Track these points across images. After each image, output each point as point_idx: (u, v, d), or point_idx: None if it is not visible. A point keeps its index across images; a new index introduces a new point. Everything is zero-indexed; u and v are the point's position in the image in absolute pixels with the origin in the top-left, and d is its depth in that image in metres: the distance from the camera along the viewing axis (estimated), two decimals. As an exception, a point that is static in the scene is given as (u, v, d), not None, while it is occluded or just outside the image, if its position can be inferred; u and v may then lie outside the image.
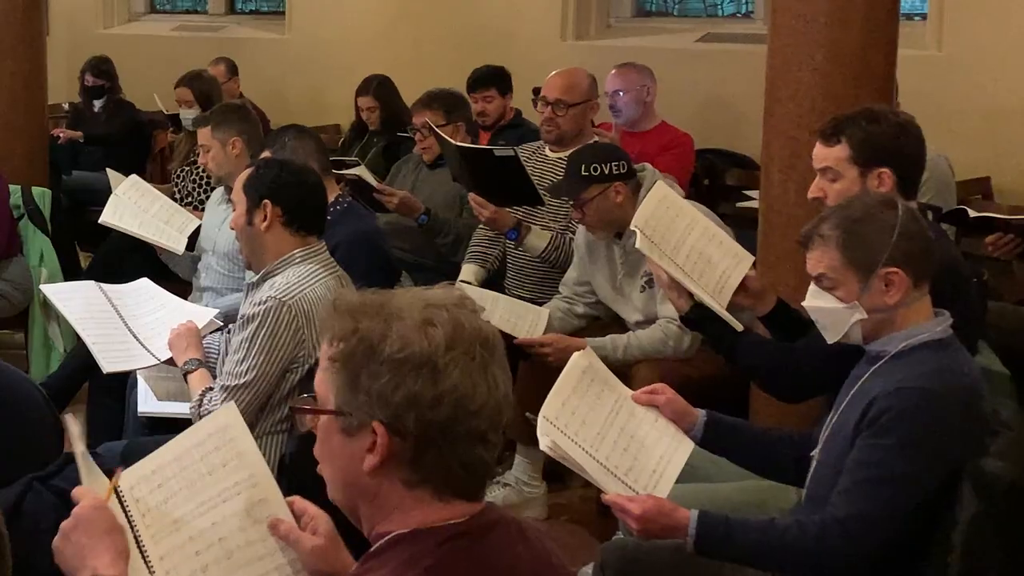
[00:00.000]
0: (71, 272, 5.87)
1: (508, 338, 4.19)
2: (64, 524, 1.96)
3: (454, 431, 1.80)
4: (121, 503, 2.15)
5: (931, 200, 4.42)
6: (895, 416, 2.70)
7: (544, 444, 2.81)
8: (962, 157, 5.35)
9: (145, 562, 2.11)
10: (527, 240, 4.94)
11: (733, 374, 4.03)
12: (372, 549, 1.86)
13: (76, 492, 2.02)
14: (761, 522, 2.80)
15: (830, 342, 2.94)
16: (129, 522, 2.13)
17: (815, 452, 2.94)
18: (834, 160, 3.40)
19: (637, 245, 3.45)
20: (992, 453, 2.72)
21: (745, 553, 2.80)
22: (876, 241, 2.80)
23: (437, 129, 5.50)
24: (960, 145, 5.55)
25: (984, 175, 5.94)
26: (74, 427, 2.16)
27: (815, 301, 2.91)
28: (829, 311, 2.88)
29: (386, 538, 1.83)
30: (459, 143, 5.19)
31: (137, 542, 2.12)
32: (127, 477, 2.18)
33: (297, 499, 2.13)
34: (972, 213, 4.53)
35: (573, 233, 4.88)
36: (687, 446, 3.03)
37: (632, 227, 3.50)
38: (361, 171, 5.55)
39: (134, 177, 5.49)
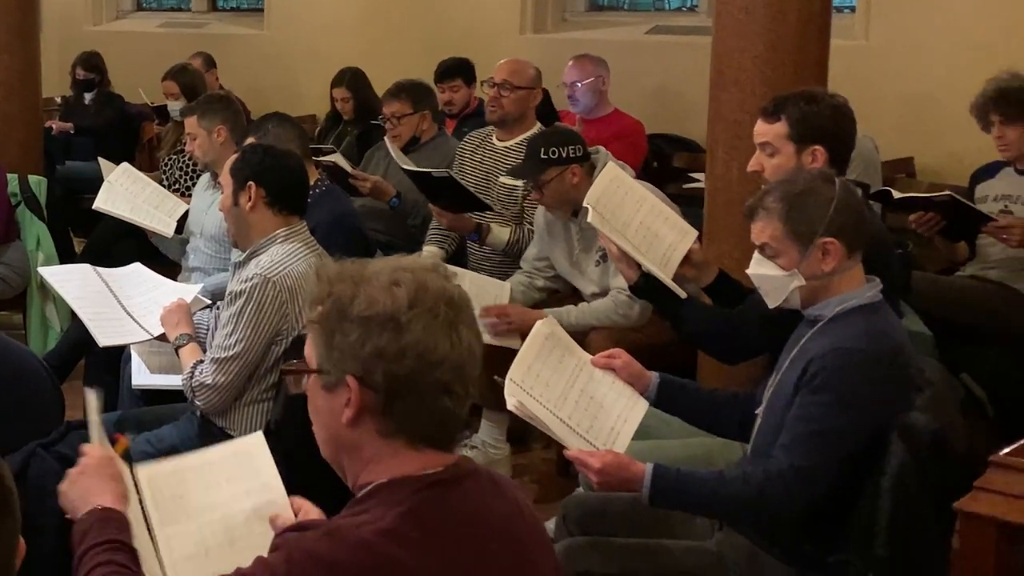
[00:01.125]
0: (66, 256, 5.86)
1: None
2: (71, 470, 2.00)
3: (419, 382, 1.80)
4: (137, 487, 2.18)
5: (858, 178, 4.44)
6: (830, 375, 2.71)
7: (511, 404, 2.82)
8: (887, 139, 5.42)
9: (152, 539, 2.13)
10: (489, 239, 4.95)
11: (681, 340, 4.09)
12: (355, 498, 1.87)
13: (86, 447, 2.04)
14: (710, 474, 2.81)
15: (771, 306, 2.95)
16: (141, 505, 2.16)
17: (759, 410, 2.94)
18: (773, 136, 3.42)
19: (590, 220, 3.46)
20: (917, 407, 2.73)
21: (695, 503, 2.82)
22: (815, 213, 2.80)
23: (402, 121, 5.53)
24: (886, 128, 5.60)
25: (908, 156, 5.98)
26: (93, 399, 2.16)
27: (758, 269, 2.91)
28: (771, 278, 2.88)
29: (367, 488, 1.84)
30: (405, 166, 5.18)
31: (146, 522, 2.15)
32: (145, 470, 2.21)
33: (296, 498, 2.16)
34: (896, 194, 4.57)
35: (531, 223, 4.90)
36: (642, 406, 3.05)
37: (585, 204, 3.51)
38: (336, 158, 5.51)
39: (125, 165, 5.47)
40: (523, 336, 3.10)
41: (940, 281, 4.68)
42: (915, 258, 4.45)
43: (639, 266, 3.44)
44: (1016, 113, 4.59)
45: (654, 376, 3.10)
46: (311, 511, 2.14)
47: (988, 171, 4.81)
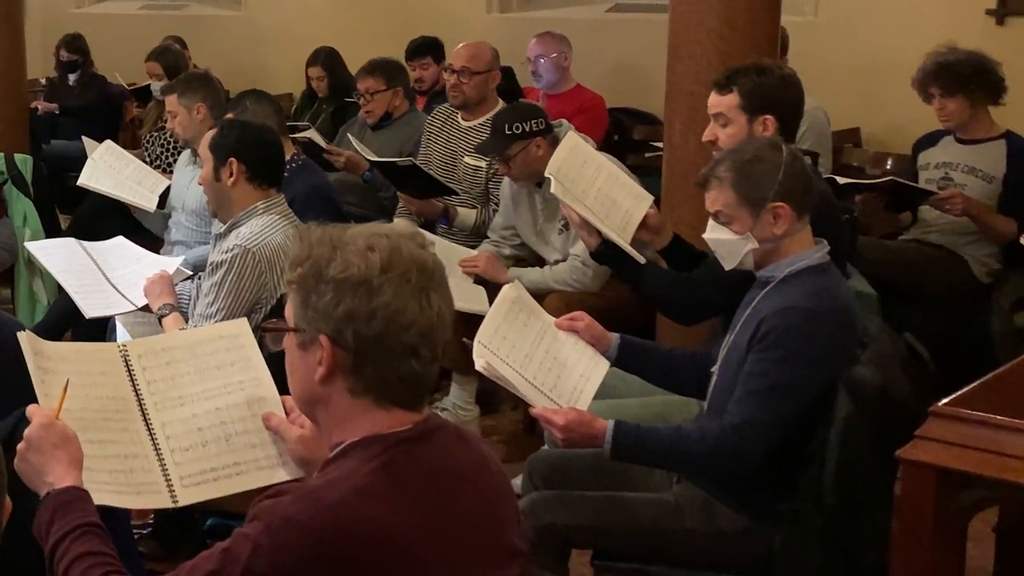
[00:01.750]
0: (52, 232, 5.77)
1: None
2: (19, 447, 1.96)
3: (388, 344, 1.80)
4: (127, 365, 2.18)
5: (810, 147, 4.47)
6: (781, 333, 2.71)
7: (479, 365, 2.81)
8: (836, 110, 5.41)
9: (147, 425, 2.13)
10: (457, 222, 4.96)
11: (639, 303, 4.10)
12: (330, 457, 1.87)
13: (28, 411, 2.02)
14: (668, 429, 2.82)
15: (727, 269, 2.96)
16: (133, 384, 2.16)
17: (714, 368, 2.93)
18: (726, 107, 3.42)
19: (552, 190, 3.45)
20: (862, 362, 2.74)
21: (654, 457, 2.84)
22: (765, 180, 2.80)
23: (374, 97, 5.54)
24: (834, 99, 5.59)
25: (855, 126, 6.00)
26: (26, 343, 2.12)
27: (713, 234, 2.91)
28: (726, 242, 2.89)
29: (340, 447, 1.85)
30: (371, 157, 5.17)
31: (140, 405, 2.15)
32: (136, 346, 2.21)
33: (288, 397, 2.14)
34: (840, 180, 4.60)
35: (495, 203, 4.91)
36: (603, 365, 3.05)
37: (546, 174, 3.51)
38: (311, 134, 5.51)
39: (108, 142, 5.44)
40: (491, 301, 3.12)
41: (884, 245, 4.71)
42: (860, 224, 4.48)
43: (599, 232, 3.44)
44: (955, 86, 4.61)
45: (615, 337, 3.10)
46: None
47: (930, 140, 4.83)
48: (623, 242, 3.43)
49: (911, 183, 4.63)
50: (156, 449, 2.11)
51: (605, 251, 3.47)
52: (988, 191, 4.61)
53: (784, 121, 3.38)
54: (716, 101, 3.46)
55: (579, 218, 3.45)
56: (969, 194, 4.53)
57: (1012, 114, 4.79)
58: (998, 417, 2.23)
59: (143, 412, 2.14)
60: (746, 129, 3.38)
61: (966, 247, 4.63)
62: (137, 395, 2.16)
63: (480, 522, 1.86)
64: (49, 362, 2.12)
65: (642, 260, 3.44)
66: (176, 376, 2.19)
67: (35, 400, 2.22)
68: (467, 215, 4.96)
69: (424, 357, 1.83)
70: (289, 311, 1.89)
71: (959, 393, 2.46)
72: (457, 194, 4.99)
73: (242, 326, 2.33)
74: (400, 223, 5.05)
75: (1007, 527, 2.57)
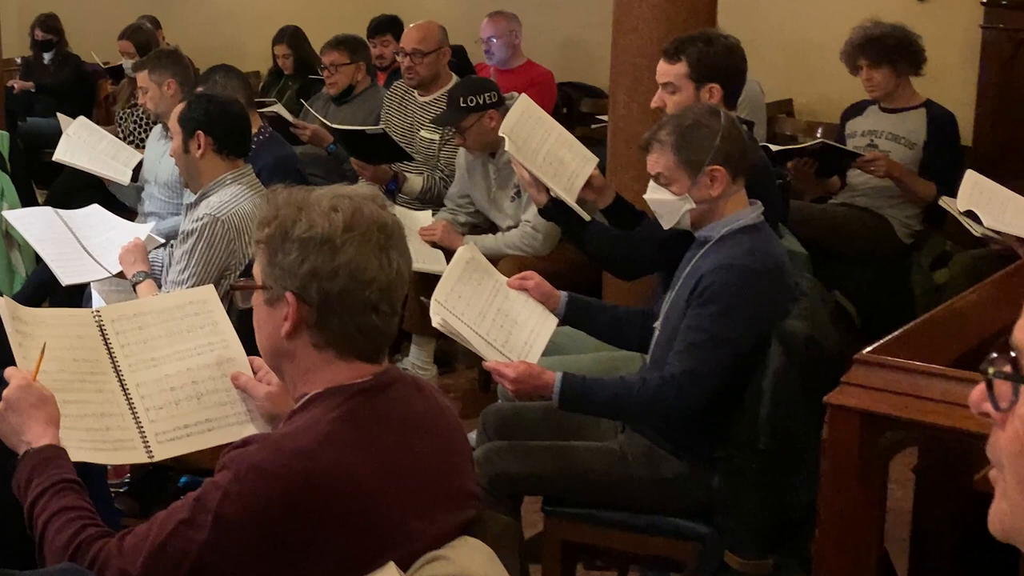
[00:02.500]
0: (29, 205, 5.68)
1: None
2: (4, 395, 1.95)
3: (349, 299, 1.80)
4: (101, 329, 2.15)
5: (746, 117, 4.49)
6: (718, 289, 2.73)
7: (436, 322, 2.81)
8: (770, 83, 5.43)
9: (121, 386, 2.11)
10: (405, 187, 4.95)
11: (585, 268, 4.08)
12: (295, 408, 1.87)
13: (6, 373, 2.00)
14: (611, 380, 2.83)
15: (666, 228, 2.96)
16: (107, 348, 2.13)
17: (657, 323, 2.94)
18: (674, 76, 3.42)
19: (505, 148, 3.44)
20: (794, 316, 2.76)
21: (599, 406, 2.84)
22: (703, 144, 2.80)
23: (338, 70, 5.53)
24: (768, 73, 5.59)
25: (787, 98, 6.03)
26: (4, 309, 2.10)
27: (654, 195, 2.91)
28: (665, 202, 2.89)
29: (304, 398, 1.85)
30: (337, 125, 5.16)
31: (115, 367, 2.12)
32: (109, 311, 2.19)
33: (256, 358, 2.13)
34: (773, 148, 4.61)
35: (442, 172, 4.92)
36: (552, 322, 3.06)
37: (500, 133, 3.50)
38: (278, 108, 5.47)
39: (82, 118, 5.35)
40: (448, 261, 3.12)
41: (815, 209, 4.76)
42: (793, 189, 4.52)
43: (548, 190, 3.43)
44: (880, 57, 4.64)
45: (563, 295, 3.11)
46: (270, 371, 2.11)
47: (856, 109, 4.87)
48: (569, 199, 3.42)
49: (839, 145, 4.66)
50: (131, 408, 2.10)
51: (553, 208, 3.46)
52: (910, 157, 4.65)
53: (728, 89, 3.39)
54: (665, 70, 3.45)
55: (529, 176, 3.44)
56: (892, 159, 4.58)
57: (931, 84, 4.84)
58: (916, 363, 2.25)
59: (118, 374, 2.12)
60: (693, 97, 3.37)
61: (890, 209, 4.68)
62: (111, 358, 2.14)
63: (436, 466, 1.87)
64: (26, 327, 2.09)
65: (587, 217, 3.44)
66: (148, 339, 2.17)
67: (13, 363, 2.20)
68: (414, 181, 4.96)
69: (384, 312, 1.83)
70: (257, 269, 1.88)
71: (881, 342, 2.48)
72: (414, 160, 4.98)
73: (209, 292, 2.32)
74: (362, 186, 5.05)
75: (924, 468, 2.61)
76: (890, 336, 2.52)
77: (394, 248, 1.84)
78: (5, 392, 1.95)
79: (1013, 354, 1.00)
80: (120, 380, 2.12)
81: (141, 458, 2.08)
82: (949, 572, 2.52)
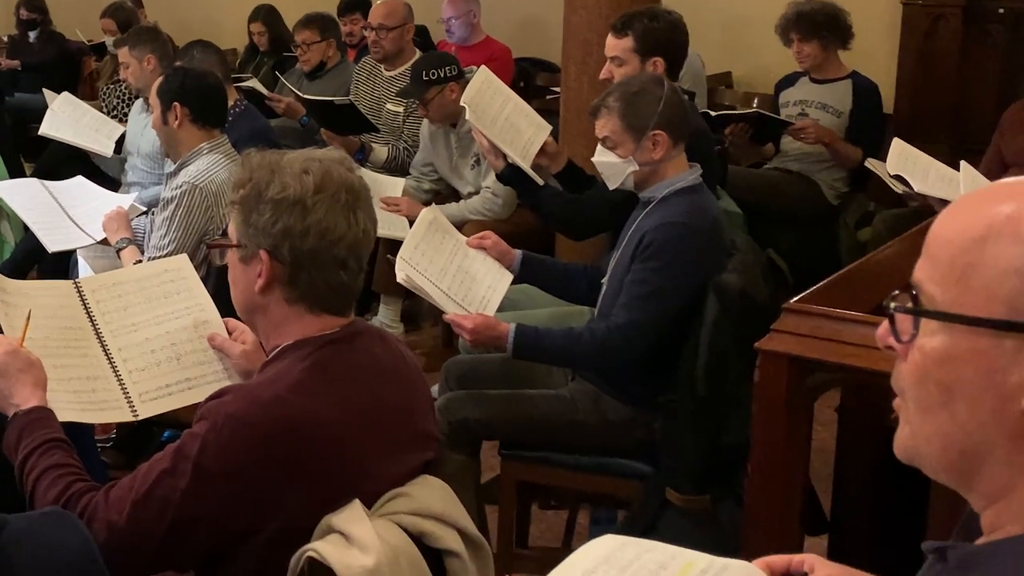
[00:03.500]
0: (17, 177, 5.62)
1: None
2: None
3: (319, 257, 1.80)
4: (82, 299, 2.14)
5: (688, 87, 4.49)
6: (660, 245, 2.74)
7: (401, 278, 2.82)
8: (710, 56, 5.45)
9: (104, 351, 2.10)
10: (371, 157, 4.92)
11: (541, 231, 4.09)
12: (267, 359, 1.88)
13: None
14: (561, 331, 2.84)
15: (611, 188, 2.96)
16: (89, 316, 2.12)
17: (604, 279, 2.95)
18: (621, 50, 3.43)
19: (467, 117, 3.43)
20: (729, 270, 2.78)
21: (549, 355, 2.85)
22: (647, 111, 2.80)
23: (310, 48, 5.48)
24: (709, 47, 5.62)
25: (726, 70, 6.03)
26: None
27: (600, 157, 2.91)
28: (611, 165, 2.89)
29: (276, 350, 1.85)
30: (308, 96, 5.13)
31: (97, 334, 2.11)
32: (88, 282, 2.18)
33: (230, 319, 2.13)
34: (713, 114, 4.65)
35: (406, 142, 4.91)
36: (508, 278, 3.07)
37: (461, 102, 3.49)
38: (253, 83, 5.44)
39: (66, 94, 5.27)
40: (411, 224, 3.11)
41: (751, 173, 4.78)
42: (730, 155, 4.54)
43: (505, 157, 3.43)
44: (811, 31, 4.68)
45: (518, 253, 3.12)
46: (245, 331, 2.11)
47: (789, 81, 4.89)
48: (524, 165, 3.42)
49: (773, 115, 4.69)
50: (115, 371, 2.09)
51: (509, 173, 3.46)
52: (838, 124, 4.69)
53: (671, 62, 3.40)
54: (613, 44, 3.46)
55: (488, 143, 3.42)
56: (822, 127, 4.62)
57: (857, 57, 4.87)
58: (838, 311, 2.26)
59: (100, 339, 2.11)
60: (639, 69, 3.38)
61: (819, 173, 4.71)
62: (93, 324, 2.12)
63: (399, 410, 1.87)
64: (11, 296, 2.08)
65: (540, 182, 3.44)
66: (127, 307, 2.16)
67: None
68: (380, 151, 4.95)
69: (352, 269, 1.83)
70: (232, 229, 1.87)
71: (807, 292, 2.48)
72: (379, 131, 4.96)
73: (183, 260, 2.30)
74: (331, 150, 5.02)
75: (846, 408, 2.62)
76: (815, 287, 2.52)
77: (361, 208, 1.83)
78: None
79: (914, 291, 1.01)
80: (103, 345, 2.11)
81: (126, 417, 2.07)
82: (868, 503, 2.53)
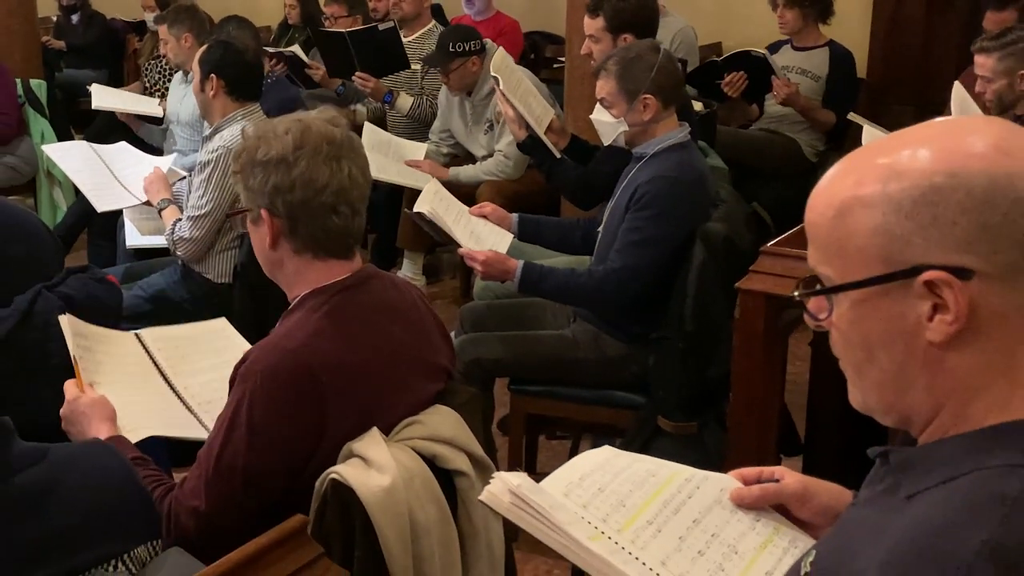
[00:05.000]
0: (67, 148, 5.67)
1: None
2: (62, 412, 1.93)
3: (310, 206, 1.80)
4: (144, 348, 2.16)
5: (682, 56, 4.52)
6: (651, 196, 2.77)
7: (425, 209, 2.86)
8: (702, 26, 5.42)
9: (172, 388, 2.12)
10: (397, 103, 4.93)
11: (548, 189, 4.09)
12: (288, 309, 1.87)
13: (65, 387, 1.98)
14: (564, 270, 2.89)
15: (605, 144, 3.01)
16: (153, 361, 2.14)
17: (599, 228, 2.98)
18: (595, 29, 3.49)
19: (500, 87, 3.43)
20: (715, 219, 2.82)
21: (552, 290, 2.87)
22: (641, 76, 2.84)
23: (336, 22, 5.48)
24: (701, 18, 5.61)
25: (717, 40, 6.01)
26: (67, 326, 2.05)
27: (597, 116, 2.96)
28: (605, 123, 2.94)
29: (296, 300, 1.86)
30: (350, 29, 5.07)
31: (162, 374, 2.13)
32: (147, 334, 2.19)
33: None
34: (717, 59, 4.70)
35: (430, 97, 4.89)
36: (508, 238, 3.12)
37: (492, 73, 3.51)
38: (296, 49, 5.43)
39: (96, 86, 5.18)
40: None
41: (737, 133, 4.79)
42: (720, 117, 4.55)
43: (527, 127, 3.44)
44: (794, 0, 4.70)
45: (514, 216, 3.16)
46: None
47: (774, 48, 4.90)
48: (544, 137, 3.44)
49: (759, 53, 4.67)
50: (184, 403, 2.10)
51: (530, 143, 3.47)
52: (815, 88, 4.72)
53: (640, 38, 3.39)
54: (588, 23, 3.52)
55: (513, 113, 3.42)
56: (802, 91, 4.63)
57: (834, 27, 4.88)
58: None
59: (166, 379, 2.13)
60: (611, 45, 3.42)
61: (798, 134, 4.75)
62: (158, 367, 2.14)
63: (410, 346, 1.88)
64: (86, 341, 2.07)
65: (557, 154, 3.46)
66: (184, 356, 2.18)
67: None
68: (405, 98, 4.94)
69: (343, 212, 1.82)
70: (241, 197, 1.90)
71: (782, 236, 2.54)
72: (409, 67, 4.94)
73: (224, 322, 2.32)
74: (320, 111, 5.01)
75: (818, 343, 2.61)
76: (789, 232, 2.57)
77: (345, 157, 1.82)
78: (61, 410, 1.94)
79: (814, 276, 1.04)
80: (169, 383, 2.12)
81: (202, 435, 2.04)
82: (838, 429, 2.58)
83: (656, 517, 1.28)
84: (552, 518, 1.19)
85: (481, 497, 1.22)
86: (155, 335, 2.21)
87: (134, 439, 1.88)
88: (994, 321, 0.96)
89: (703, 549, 1.26)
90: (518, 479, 1.21)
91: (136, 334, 2.20)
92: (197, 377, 2.15)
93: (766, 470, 1.35)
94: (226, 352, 2.17)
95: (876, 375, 1.02)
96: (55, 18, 7.74)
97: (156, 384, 2.12)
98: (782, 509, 1.34)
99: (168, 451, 2.16)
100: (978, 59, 3.45)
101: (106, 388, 2.01)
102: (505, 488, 1.20)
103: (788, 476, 1.33)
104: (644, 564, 1.21)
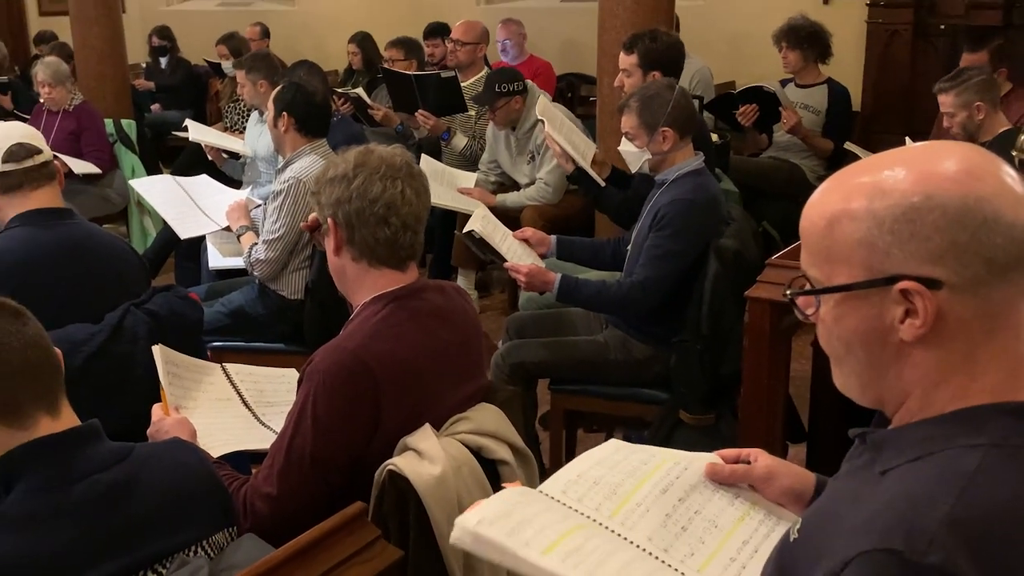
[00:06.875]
0: (156, 181, 5.72)
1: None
2: (148, 432, 1.95)
3: (363, 215, 1.84)
4: (228, 378, 2.21)
5: (701, 94, 4.60)
6: (671, 217, 2.82)
7: (476, 227, 2.90)
8: (717, 67, 5.46)
9: (253, 414, 2.14)
10: (453, 141, 4.97)
11: (584, 211, 4.15)
12: (350, 316, 1.90)
13: (152, 410, 2.00)
14: (597, 282, 2.93)
15: (632, 171, 3.06)
16: (236, 389, 2.18)
17: (628, 246, 3.03)
18: (628, 64, 3.54)
19: (546, 128, 3.46)
20: (726, 236, 2.86)
21: (586, 300, 2.91)
22: (659, 111, 2.88)
23: (395, 65, 5.52)
24: (717, 59, 5.68)
25: (731, 79, 6.03)
26: (159, 357, 2.08)
27: (623, 147, 3.01)
28: (630, 153, 3.00)
29: (358, 307, 1.88)
30: (414, 72, 5.13)
31: (244, 402, 2.16)
32: (230, 367, 2.23)
33: None
34: (733, 92, 4.76)
35: (481, 138, 4.93)
36: (540, 260, 3.11)
37: (538, 115, 3.55)
38: (360, 92, 5.47)
39: (189, 121, 5.30)
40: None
41: (748, 161, 4.83)
42: (733, 146, 4.59)
43: (573, 162, 3.46)
44: (795, 42, 4.77)
45: (552, 238, 3.18)
46: None
47: (780, 85, 4.91)
48: (589, 168, 3.49)
49: (770, 88, 4.73)
50: (263, 424, 2.12)
51: (577, 174, 3.49)
52: (816, 120, 4.78)
53: (667, 74, 3.45)
54: (623, 59, 3.56)
55: (560, 149, 3.45)
56: (804, 123, 4.67)
57: (832, 65, 4.94)
58: (809, 265, 2.35)
59: (247, 406, 2.15)
60: (641, 80, 3.47)
61: (802, 160, 4.79)
62: (241, 396, 2.17)
63: (458, 348, 1.89)
64: (176, 368, 2.12)
65: (602, 183, 3.48)
66: (263, 390, 2.21)
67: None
68: (460, 138, 4.97)
69: (393, 225, 1.84)
70: (316, 212, 1.94)
71: (785, 250, 2.59)
72: (467, 110, 4.97)
73: (295, 372, 2.25)
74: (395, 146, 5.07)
75: (818, 343, 2.66)
76: (791, 246, 2.61)
77: (400, 178, 1.84)
78: (148, 430, 1.95)
79: (804, 277, 1.08)
80: (251, 410, 2.15)
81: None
82: (837, 418, 2.45)
83: (645, 499, 1.29)
84: (505, 546, 1.16)
85: (451, 540, 1.20)
86: (238, 369, 2.23)
87: (215, 455, 1.87)
88: (958, 325, 0.98)
89: (686, 525, 1.27)
90: (477, 517, 1.18)
91: (223, 367, 2.21)
92: (272, 407, 2.15)
93: (743, 452, 1.37)
94: (294, 394, 2.19)
95: (854, 364, 1.05)
96: (144, 64, 7.86)
97: (237, 408, 2.14)
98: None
99: (249, 463, 2.21)
100: (940, 98, 3.56)
101: (191, 412, 2.02)
102: (466, 530, 1.18)
103: (761, 458, 1.36)
104: (631, 542, 1.22)
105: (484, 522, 1.18)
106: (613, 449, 1.38)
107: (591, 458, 1.36)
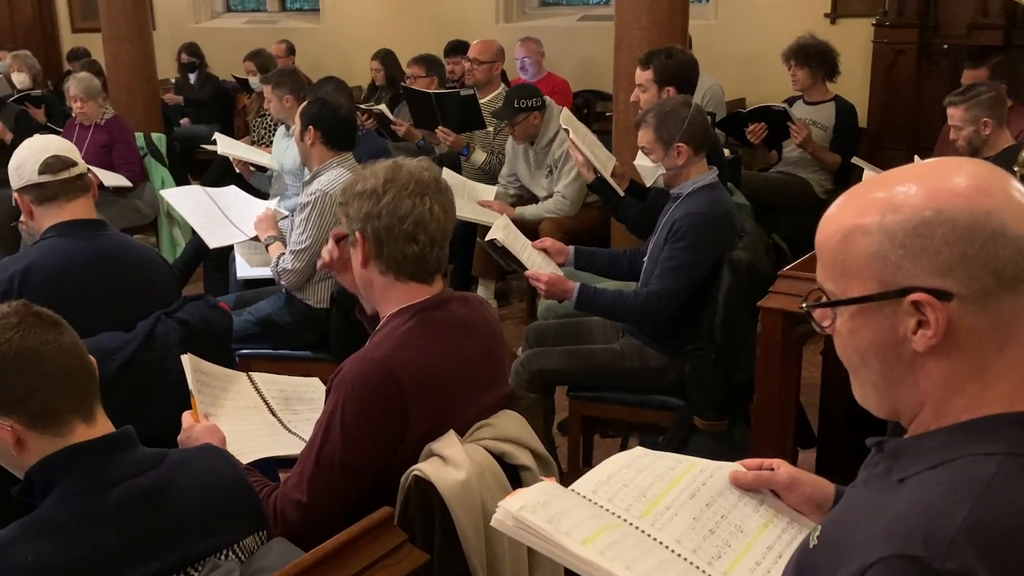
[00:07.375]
0: (185, 193, 5.73)
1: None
2: (179, 439, 1.94)
3: (393, 232, 1.82)
4: (255, 387, 2.20)
5: (711, 109, 4.60)
6: (686, 229, 2.82)
7: (498, 236, 2.90)
8: (729, 84, 5.46)
9: (276, 418, 2.15)
10: (473, 156, 4.99)
11: (600, 224, 4.15)
12: (377, 327, 1.89)
13: (183, 417, 2.00)
14: (614, 291, 2.93)
15: (647, 184, 3.08)
16: (262, 398, 2.18)
17: (644, 258, 3.04)
18: (644, 80, 3.54)
19: (570, 137, 3.45)
20: (739, 248, 2.86)
21: (604, 308, 2.91)
22: (675, 127, 2.88)
23: (416, 81, 5.53)
24: (728, 77, 5.69)
25: (742, 96, 6.05)
26: (188, 366, 2.07)
27: (639, 161, 3.01)
28: (646, 167, 3.00)
29: (384, 319, 1.88)
30: (434, 90, 5.14)
31: (271, 411, 2.17)
32: (257, 376, 2.23)
33: None
34: (743, 111, 4.76)
35: (499, 155, 4.94)
36: (559, 269, 3.12)
37: (563, 125, 3.57)
38: (383, 107, 5.49)
39: (218, 135, 5.33)
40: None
41: (758, 176, 4.85)
42: (745, 162, 4.61)
43: (595, 171, 3.46)
44: (803, 60, 4.78)
45: (571, 248, 3.18)
46: None
47: (789, 102, 4.94)
48: (610, 178, 3.50)
49: (779, 107, 4.74)
50: (290, 431, 2.12)
51: (598, 184, 3.50)
52: (824, 136, 4.79)
53: (681, 90, 3.47)
54: (639, 75, 3.57)
55: (583, 158, 3.44)
56: (812, 139, 4.68)
57: (839, 82, 4.95)
58: (820, 275, 2.37)
59: (273, 413, 2.15)
60: (656, 95, 3.48)
61: (810, 175, 4.80)
62: (267, 404, 2.17)
63: (481, 357, 1.90)
64: (204, 376, 2.12)
65: (622, 193, 3.49)
66: (288, 399, 2.20)
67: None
68: (479, 154, 4.99)
69: (421, 241, 1.82)
70: (343, 223, 1.92)
71: (796, 262, 2.60)
72: (486, 127, 4.98)
73: (317, 382, 2.29)
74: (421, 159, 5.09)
75: (828, 352, 2.64)
76: (802, 258, 2.63)
77: (428, 194, 1.82)
78: (179, 437, 1.94)
79: (821, 290, 1.08)
80: (277, 417, 2.15)
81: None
82: (846, 425, 2.61)
83: (673, 503, 1.30)
84: (546, 532, 1.18)
85: (491, 522, 1.21)
86: (264, 378, 2.23)
87: (244, 461, 1.85)
88: (969, 336, 0.99)
89: (714, 528, 1.28)
90: (519, 503, 1.19)
91: (248, 375, 2.21)
92: (298, 415, 2.16)
93: (766, 461, 1.38)
94: (319, 402, 2.10)
95: (869, 375, 1.05)
96: (173, 80, 7.90)
97: (264, 416, 2.14)
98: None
99: (276, 469, 2.22)
100: (949, 111, 3.57)
101: (219, 419, 2.03)
102: (509, 513, 1.19)
103: (782, 467, 1.37)
104: (661, 543, 1.23)
105: (527, 508, 1.19)
106: (640, 454, 1.40)
107: (619, 462, 1.37)
